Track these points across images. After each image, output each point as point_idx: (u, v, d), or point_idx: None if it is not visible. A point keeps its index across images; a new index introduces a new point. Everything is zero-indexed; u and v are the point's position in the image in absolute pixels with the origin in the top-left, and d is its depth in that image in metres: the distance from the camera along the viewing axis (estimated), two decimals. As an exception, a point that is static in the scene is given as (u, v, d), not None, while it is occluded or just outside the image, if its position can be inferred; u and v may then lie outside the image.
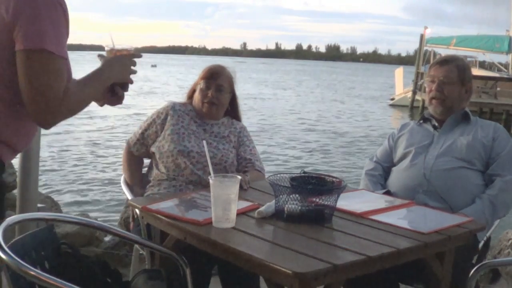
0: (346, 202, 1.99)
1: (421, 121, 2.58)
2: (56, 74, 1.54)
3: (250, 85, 39.53)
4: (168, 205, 1.93)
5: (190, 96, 2.68)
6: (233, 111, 2.72)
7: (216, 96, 2.57)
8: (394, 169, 2.52)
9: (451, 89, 2.45)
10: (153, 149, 2.54)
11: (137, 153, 2.62)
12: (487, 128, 2.42)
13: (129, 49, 1.80)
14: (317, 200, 1.83)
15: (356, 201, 2.10)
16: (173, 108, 2.59)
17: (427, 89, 2.54)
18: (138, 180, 2.59)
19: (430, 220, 1.93)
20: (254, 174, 2.49)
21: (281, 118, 19.33)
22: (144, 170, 2.69)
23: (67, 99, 1.57)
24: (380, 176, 2.55)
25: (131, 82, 1.79)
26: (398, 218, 1.90)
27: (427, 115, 2.57)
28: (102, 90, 1.72)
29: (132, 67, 1.77)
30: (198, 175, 2.42)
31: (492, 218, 2.22)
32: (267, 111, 21.70)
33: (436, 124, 2.51)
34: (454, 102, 2.47)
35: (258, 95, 29.58)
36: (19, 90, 1.54)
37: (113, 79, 1.73)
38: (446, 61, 2.50)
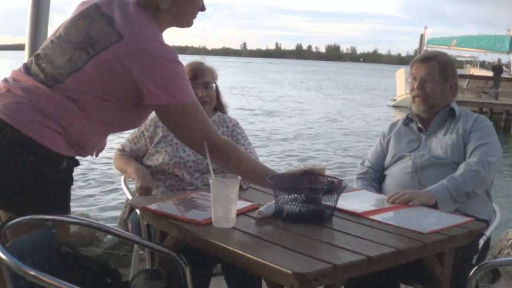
0: (346, 202, 1.98)
1: (407, 121, 2.57)
2: (201, 116, 1.84)
3: (270, 85, 39.34)
4: (168, 205, 1.93)
5: None
6: (217, 102, 2.64)
7: (207, 94, 2.51)
8: (386, 173, 2.50)
9: (433, 86, 2.43)
10: (147, 162, 2.49)
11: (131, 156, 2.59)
12: (468, 122, 2.40)
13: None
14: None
15: (356, 201, 2.09)
16: None
17: (410, 87, 2.52)
18: (142, 166, 2.50)
19: (430, 220, 1.93)
20: None
21: (325, 123, 18.71)
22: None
23: (226, 144, 1.91)
24: (372, 179, 2.53)
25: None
26: (398, 218, 1.90)
27: (411, 116, 2.55)
28: (257, 181, 1.97)
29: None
30: (196, 185, 2.39)
31: (457, 192, 2.17)
32: (307, 114, 21.23)
33: (421, 125, 2.50)
34: (437, 99, 2.45)
35: (291, 97, 29.34)
36: (109, 115, 1.80)
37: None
38: (427, 59, 2.47)
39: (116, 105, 1.79)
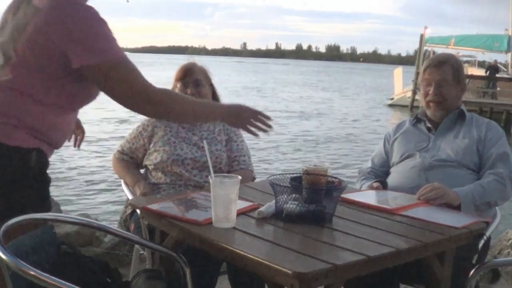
0: (372, 198, 2.12)
1: (415, 121, 2.58)
2: (132, 70, 1.77)
3: (285, 86, 39.05)
4: (168, 205, 1.93)
5: None
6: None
7: (197, 91, 2.51)
8: (392, 170, 2.51)
9: (448, 90, 2.45)
10: (146, 162, 2.52)
11: (131, 160, 2.61)
12: (480, 127, 2.42)
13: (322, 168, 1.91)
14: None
15: (381, 198, 2.18)
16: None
17: (422, 92, 2.52)
18: (141, 176, 2.54)
19: (458, 216, 1.98)
20: (239, 173, 2.41)
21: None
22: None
23: (162, 95, 1.83)
24: (369, 174, 2.57)
25: (250, 133, 1.93)
26: (428, 214, 1.94)
27: (420, 116, 2.57)
28: (207, 118, 2.04)
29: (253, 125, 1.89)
30: (196, 181, 2.41)
31: (481, 200, 2.19)
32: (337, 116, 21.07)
33: (430, 125, 2.51)
34: (452, 102, 2.47)
35: (312, 98, 29.13)
36: (56, 93, 1.76)
37: (224, 120, 1.94)
38: (441, 63, 2.47)
39: (60, 81, 1.76)
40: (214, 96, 2.66)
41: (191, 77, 2.54)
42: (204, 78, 2.59)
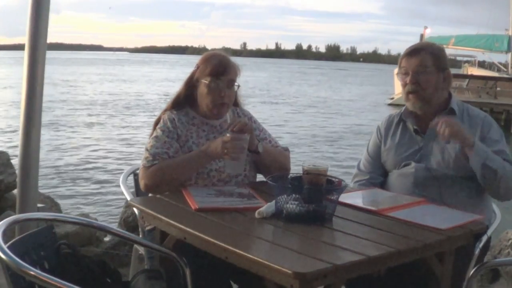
0: (361, 200, 2.03)
1: (402, 123, 2.39)
2: None
3: (320, 86, 39.66)
4: (212, 200, 1.96)
5: (185, 94, 2.30)
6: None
7: (228, 94, 2.24)
8: (389, 176, 2.40)
9: (427, 79, 2.22)
10: None
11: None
12: (474, 127, 2.24)
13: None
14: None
15: (371, 199, 2.12)
16: (179, 120, 2.25)
17: (401, 83, 2.29)
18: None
19: (445, 216, 1.93)
20: (281, 152, 2.34)
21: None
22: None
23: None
24: (367, 180, 2.42)
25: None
26: (414, 215, 1.90)
27: (404, 117, 2.37)
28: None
29: None
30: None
31: (492, 162, 2.07)
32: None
33: (417, 127, 2.33)
34: (433, 93, 2.25)
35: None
36: None
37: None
38: (417, 50, 2.26)
39: None
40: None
41: (227, 76, 2.22)
42: (236, 77, 2.27)
